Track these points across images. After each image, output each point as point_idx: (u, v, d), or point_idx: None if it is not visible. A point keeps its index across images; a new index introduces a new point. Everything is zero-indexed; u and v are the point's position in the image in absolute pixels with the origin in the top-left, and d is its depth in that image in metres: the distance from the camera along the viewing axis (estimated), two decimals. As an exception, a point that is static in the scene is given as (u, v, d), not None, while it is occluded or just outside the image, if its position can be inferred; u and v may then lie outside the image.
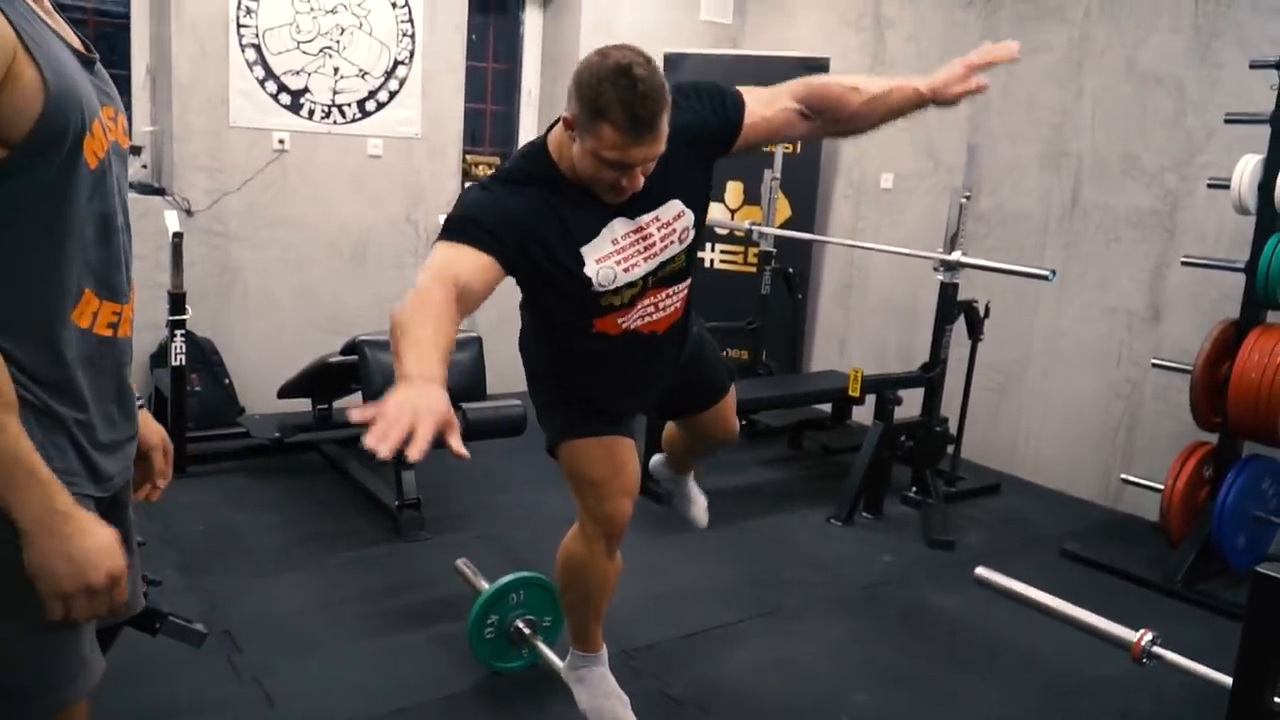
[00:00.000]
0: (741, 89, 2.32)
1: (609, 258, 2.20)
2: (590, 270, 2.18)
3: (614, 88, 1.96)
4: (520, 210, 2.12)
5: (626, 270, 2.22)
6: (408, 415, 1.50)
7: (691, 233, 2.31)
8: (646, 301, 2.31)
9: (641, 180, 2.11)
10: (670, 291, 2.35)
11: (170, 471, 1.71)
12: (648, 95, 1.97)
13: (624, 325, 2.30)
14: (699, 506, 3.26)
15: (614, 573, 2.60)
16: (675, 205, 2.27)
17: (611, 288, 2.22)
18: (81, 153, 1.30)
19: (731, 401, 2.82)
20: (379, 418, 1.49)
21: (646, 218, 2.23)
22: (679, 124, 2.14)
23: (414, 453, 1.46)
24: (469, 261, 2.03)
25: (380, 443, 1.45)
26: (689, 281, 2.41)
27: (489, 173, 2.33)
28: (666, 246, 2.27)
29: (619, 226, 2.21)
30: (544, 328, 2.45)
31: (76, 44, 1.36)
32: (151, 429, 1.65)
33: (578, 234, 2.18)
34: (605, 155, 2.03)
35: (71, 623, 1.33)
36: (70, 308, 1.35)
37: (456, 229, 2.07)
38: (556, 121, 2.17)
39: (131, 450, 1.55)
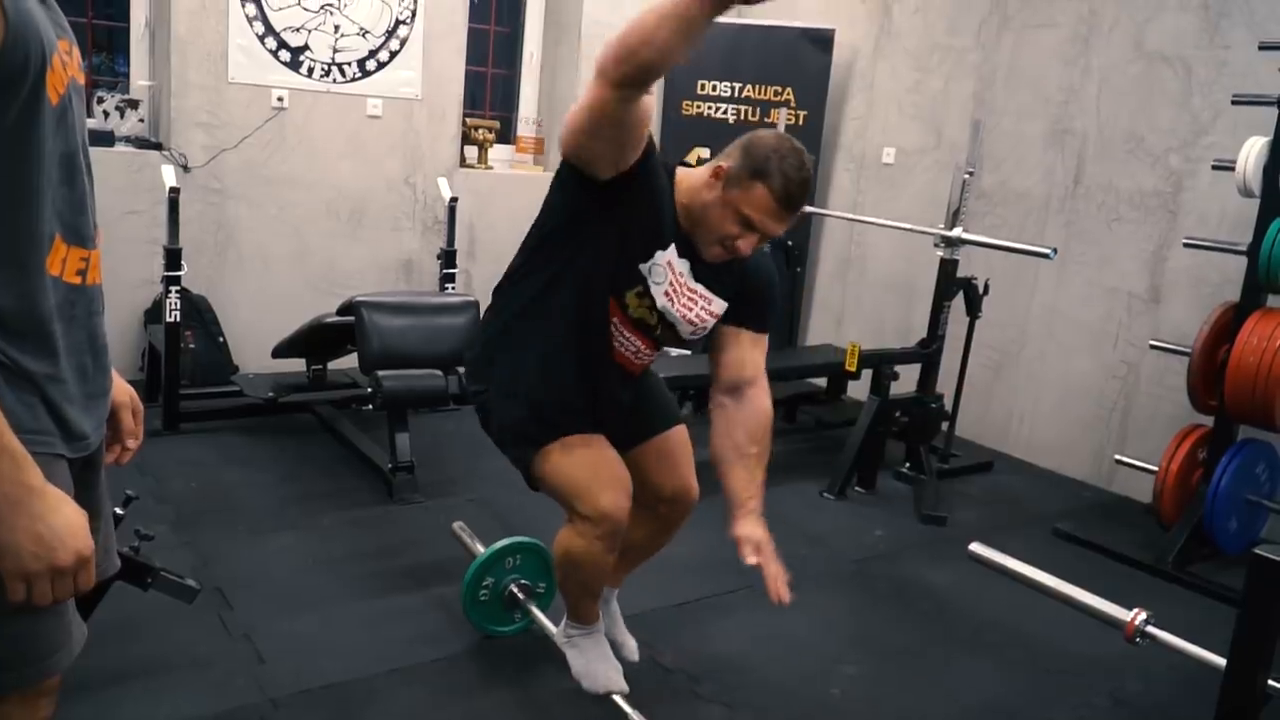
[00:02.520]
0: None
1: (664, 270, 2.33)
2: (658, 257, 2.31)
3: (783, 161, 2.20)
4: (661, 174, 2.29)
5: (666, 295, 2.35)
6: None
7: (703, 333, 2.48)
8: (641, 340, 2.42)
9: (750, 251, 2.30)
10: (653, 352, 2.49)
11: (141, 432, 1.63)
12: (805, 181, 2.23)
13: (620, 331, 2.39)
14: (629, 643, 2.86)
15: (613, 558, 2.53)
16: (720, 304, 2.44)
17: (649, 280, 2.32)
18: (44, 89, 1.22)
19: (685, 446, 2.68)
20: None
21: (701, 286, 2.39)
22: (760, 271, 2.46)
23: None
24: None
25: None
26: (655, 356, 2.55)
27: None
28: (694, 320, 2.41)
29: (682, 266, 2.35)
30: (554, 292, 2.36)
31: None
32: (120, 387, 1.57)
33: (663, 238, 2.32)
34: (746, 212, 2.22)
35: (31, 607, 1.25)
36: (45, 255, 1.28)
37: None
38: (683, 162, 2.39)
39: (106, 406, 1.49)
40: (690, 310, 2.39)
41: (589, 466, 2.38)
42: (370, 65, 5.40)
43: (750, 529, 2.34)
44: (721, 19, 1.90)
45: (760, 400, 2.49)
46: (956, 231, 4.46)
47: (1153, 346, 4.32)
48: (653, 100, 2.06)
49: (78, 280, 1.36)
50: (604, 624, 2.72)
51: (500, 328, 2.48)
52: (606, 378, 2.45)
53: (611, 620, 2.86)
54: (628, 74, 1.89)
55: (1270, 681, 1.73)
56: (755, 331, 2.51)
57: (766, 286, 2.51)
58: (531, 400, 2.41)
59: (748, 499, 2.39)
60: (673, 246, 2.32)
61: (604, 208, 2.21)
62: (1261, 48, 3.86)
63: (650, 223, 2.28)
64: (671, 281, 2.34)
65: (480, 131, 5.95)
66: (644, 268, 2.31)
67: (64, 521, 1.24)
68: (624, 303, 2.35)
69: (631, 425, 2.58)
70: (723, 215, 2.24)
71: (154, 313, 4.91)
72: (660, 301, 2.35)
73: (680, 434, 2.68)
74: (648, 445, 2.61)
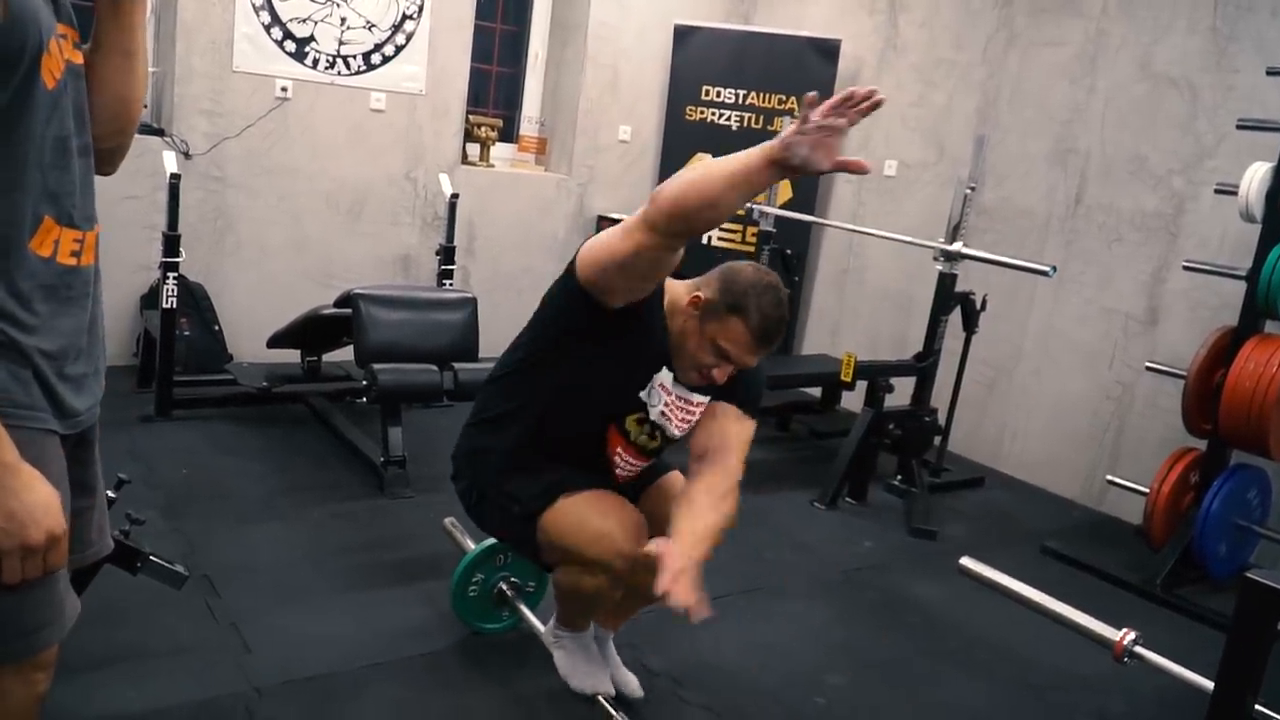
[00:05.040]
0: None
1: (660, 393, 2.35)
2: (654, 380, 2.34)
3: (760, 298, 2.20)
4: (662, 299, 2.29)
5: (661, 414, 2.37)
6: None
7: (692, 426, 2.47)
8: (643, 461, 2.47)
9: (725, 379, 2.30)
10: (648, 463, 2.51)
11: None
12: (782, 319, 2.25)
13: (615, 454, 2.42)
14: (630, 681, 2.78)
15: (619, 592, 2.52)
16: (702, 398, 2.42)
17: (648, 404, 2.35)
18: (39, 73, 1.23)
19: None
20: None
21: (681, 388, 2.38)
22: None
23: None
24: None
25: None
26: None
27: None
28: (685, 422, 2.42)
29: (667, 379, 2.36)
30: (548, 405, 2.36)
31: None
32: None
33: (659, 360, 2.33)
34: (722, 345, 2.22)
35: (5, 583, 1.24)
36: (28, 236, 1.29)
37: None
38: (681, 276, 2.33)
39: (100, 384, 1.49)
40: (680, 415, 2.41)
41: (600, 515, 2.31)
42: (375, 59, 5.40)
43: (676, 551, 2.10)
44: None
45: (729, 462, 2.34)
46: (956, 246, 4.46)
47: (1148, 368, 4.32)
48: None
49: (72, 261, 1.36)
50: (594, 632, 2.70)
51: (482, 436, 2.48)
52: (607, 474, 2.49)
53: (613, 665, 2.78)
54: (681, 230, 1.97)
55: (1257, 706, 1.73)
56: (739, 407, 2.42)
57: (752, 374, 2.42)
58: (524, 500, 2.39)
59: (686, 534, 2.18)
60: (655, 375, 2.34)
61: (608, 335, 2.22)
62: (1269, 73, 3.85)
63: (651, 350, 2.30)
64: (665, 400, 2.35)
65: (483, 129, 5.95)
66: (644, 394, 2.34)
67: (37, 499, 1.24)
68: (625, 429, 2.38)
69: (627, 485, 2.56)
70: (700, 345, 2.25)
71: (150, 298, 4.90)
72: (658, 420, 2.38)
73: (678, 478, 2.65)
74: (649, 492, 2.60)
